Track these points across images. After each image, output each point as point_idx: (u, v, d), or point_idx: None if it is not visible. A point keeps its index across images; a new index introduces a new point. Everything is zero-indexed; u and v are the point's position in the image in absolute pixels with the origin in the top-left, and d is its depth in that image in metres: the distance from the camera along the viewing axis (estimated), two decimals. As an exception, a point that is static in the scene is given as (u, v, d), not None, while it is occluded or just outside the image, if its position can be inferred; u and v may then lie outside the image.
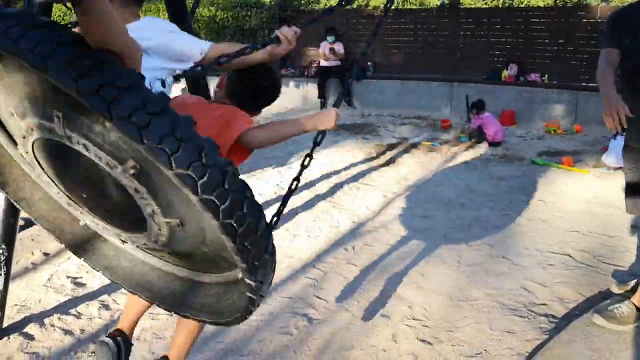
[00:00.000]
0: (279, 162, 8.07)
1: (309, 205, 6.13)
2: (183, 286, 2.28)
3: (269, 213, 5.82)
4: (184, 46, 2.57)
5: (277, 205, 2.27)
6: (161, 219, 1.85)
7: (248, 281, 1.81)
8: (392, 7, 2.69)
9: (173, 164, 1.44)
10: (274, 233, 2.07)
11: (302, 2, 16.75)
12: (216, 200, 1.53)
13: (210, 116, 2.33)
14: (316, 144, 2.29)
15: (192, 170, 1.47)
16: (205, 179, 1.49)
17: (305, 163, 2.22)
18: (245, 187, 1.65)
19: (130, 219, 1.96)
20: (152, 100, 1.45)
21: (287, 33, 2.33)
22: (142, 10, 14.50)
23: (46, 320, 3.84)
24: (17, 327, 3.76)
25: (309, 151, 2.23)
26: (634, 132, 3.59)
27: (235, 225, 1.60)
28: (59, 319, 3.87)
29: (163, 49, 2.49)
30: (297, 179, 2.19)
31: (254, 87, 2.65)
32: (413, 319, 3.84)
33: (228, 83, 2.66)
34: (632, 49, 3.51)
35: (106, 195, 1.89)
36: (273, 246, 1.91)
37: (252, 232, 1.69)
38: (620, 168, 6.79)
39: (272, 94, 2.70)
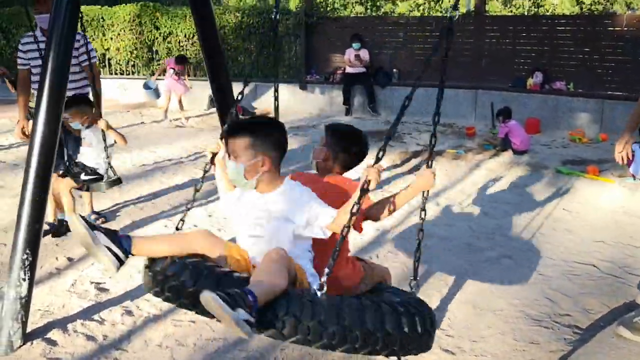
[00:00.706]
0: (303, 169, 8.10)
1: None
2: None
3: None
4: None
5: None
6: None
7: None
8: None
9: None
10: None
11: (329, 8, 16.82)
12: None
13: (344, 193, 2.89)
14: (425, 199, 2.71)
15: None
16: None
17: (422, 216, 2.70)
18: None
19: None
20: None
21: (372, 175, 2.44)
22: (168, 15, 14.60)
23: (69, 326, 3.86)
24: (41, 332, 3.78)
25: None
26: None
27: None
28: (82, 324, 3.89)
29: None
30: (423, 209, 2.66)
31: (361, 155, 3.38)
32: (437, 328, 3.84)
33: (338, 157, 3.31)
34: None
35: None
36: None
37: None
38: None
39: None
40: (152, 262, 2.57)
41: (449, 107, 12.00)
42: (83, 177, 5.34)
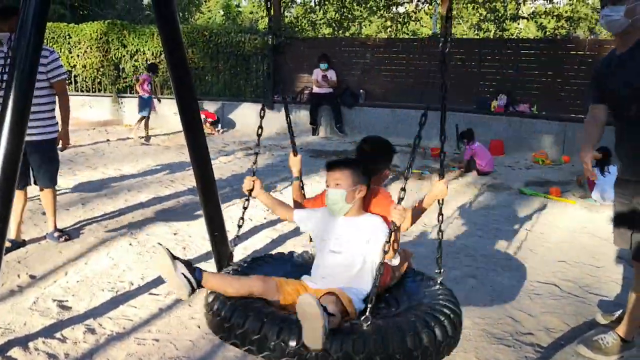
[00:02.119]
0: (270, 188, 8.12)
1: (298, 231, 6.12)
2: None
3: (259, 237, 5.80)
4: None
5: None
6: None
7: None
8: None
9: None
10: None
11: (296, 29, 16.90)
12: None
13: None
14: (441, 207, 3.36)
15: None
16: None
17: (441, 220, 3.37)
18: None
19: None
20: None
21: (397, 216, 2.87)
22: (135, 33, 14.56)
23: (30, 344, 3.78)
24: (1, 350, 3.70)
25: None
26: (629, 166, 3.65)
27: None
28: (44, 342, 3.81)
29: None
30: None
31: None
32: (400, 347, 3.85)
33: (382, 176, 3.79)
34: (608, 90, 3.68)
35: None
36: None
37: None
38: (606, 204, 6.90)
39: None
40: (213, 301, 2.83)
41: (415, 128, 12.09)
42: None
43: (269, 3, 3.68)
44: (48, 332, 3.95)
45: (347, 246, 3.09)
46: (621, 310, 4.09)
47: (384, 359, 2.41)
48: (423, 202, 3.39)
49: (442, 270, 3.26)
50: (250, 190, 3.52)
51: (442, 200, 3.29)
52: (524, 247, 5.81)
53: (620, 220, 3.74)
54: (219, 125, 14.03)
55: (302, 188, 3.79)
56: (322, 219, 3.30)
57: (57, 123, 5.57)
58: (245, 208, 3.46)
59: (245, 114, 14.43)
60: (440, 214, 3.27)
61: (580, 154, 3.79)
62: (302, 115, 13.83)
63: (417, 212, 3.40)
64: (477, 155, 9.27)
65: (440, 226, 3.28)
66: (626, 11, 3.36)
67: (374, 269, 2.99)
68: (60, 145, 5.57)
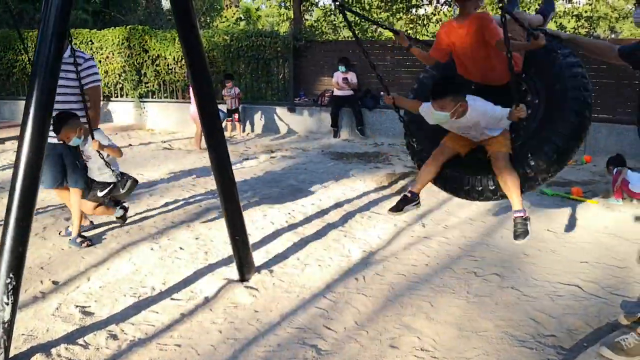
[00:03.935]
0: (292, 191, 8.13)
1: (320, 234, 6.17)
2: None
3: (280, 241, 5.85)
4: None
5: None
6: None
7: None
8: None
9: None
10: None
11: (316, 32, 16.91)
12: None
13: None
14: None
15: None
16: None
17: None
18: None
19: None
20: None
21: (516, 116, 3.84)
22: (157, 39, 14.61)
23: (53, 351, 3.83)
24: (23, 357, 3.75)
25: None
26: None
27: None
28: (66, 348, 3.86)
29: None
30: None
31: None
32: (422, 350, 3.85)
33: None
34: None
35: None
36: None
37: None
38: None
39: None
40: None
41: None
42: (99, 193, 5.65)
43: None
44: (70, 338, 4.00)
45: (471, 132, 4.13)
46: (644, 311, 4.06)
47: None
48: (517, 45, 3.89)
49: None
50: (393, 103, 4.49)
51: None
52: (546, 247, 5.77)
53: None
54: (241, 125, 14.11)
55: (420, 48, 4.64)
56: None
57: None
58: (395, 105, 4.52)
59: (267, 117, 14.50)
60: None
61: None
62: (323, 118, 13.85)
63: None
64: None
65: None
66: None
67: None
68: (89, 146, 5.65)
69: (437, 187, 4.41)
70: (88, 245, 5.77)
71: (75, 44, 15.31)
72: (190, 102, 12.42)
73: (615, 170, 7.60)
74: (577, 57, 4.03)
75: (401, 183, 8.57)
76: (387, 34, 22.01)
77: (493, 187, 4.02)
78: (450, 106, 3.87)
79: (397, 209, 4.30)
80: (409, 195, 4.33)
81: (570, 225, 6.52)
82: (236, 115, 13.69)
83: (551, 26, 22.71)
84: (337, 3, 4.08)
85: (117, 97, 15.93)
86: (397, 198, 4.46)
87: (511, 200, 3.94)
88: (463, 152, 4.26)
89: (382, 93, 10.75)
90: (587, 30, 17.95)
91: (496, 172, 3.94)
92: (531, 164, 3.89)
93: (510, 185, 3.87)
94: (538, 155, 3.87)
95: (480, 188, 4.08)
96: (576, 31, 17.86)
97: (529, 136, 3.98)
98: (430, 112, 4.07)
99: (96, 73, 5.65)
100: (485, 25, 3.82)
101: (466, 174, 4.16)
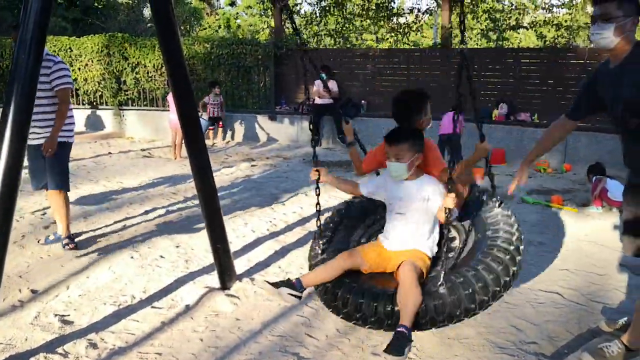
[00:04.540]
0: (273, 199, 8.12)
1: (301, 242, 6.15)
2: None
3: (262, 249, 5.80)
4: None
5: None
6: None
7: None
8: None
9: None
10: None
11: (298, 40, 16.94)
12: None
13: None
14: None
15: None
16: None
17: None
18: None
19: None
20: None
21: (452, 203, 3.47)
22: (137, 46, 14.60)
23: None
24: (1, 367, 3.69)
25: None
26: (636, 172, 3.62)
27: None
28: (45, 358, 3.80)
29: None
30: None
31: None
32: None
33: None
34: (605, 103, 3.68)
35: None
36: None
37: None
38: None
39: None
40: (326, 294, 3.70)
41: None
42: None
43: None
44: (49, 347, 3.94)
45: (411, 207, 3.74)
46: (625, 318, 4.08)
47: (463, 312, 3.31)
48: (467, 162, 3.82)
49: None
50: (318, 179, 4.00)
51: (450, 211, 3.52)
52: (526, 255, 5.79)
53: (630, 228, 3.72)
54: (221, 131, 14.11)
55: (360, 148, 4.47)
56: (387, 186, 3.90)
57: (66, 130, 5.65)
58: (318, 195, 4.07)
59: (248, 125, 14.48)
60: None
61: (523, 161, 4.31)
62: (304, 126, 13.86)
63: (466, 176, 3.90)
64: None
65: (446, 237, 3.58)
66: (615, 29, 3.37)
67: (436, 221, 3.79)
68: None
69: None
70: (71, 249, 5.73)
71: (54, 51, 15.21)
72: (169, 110, 12.38)
73: (594, 178, 7.69)
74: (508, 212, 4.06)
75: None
76: (369, 42, 22.13)
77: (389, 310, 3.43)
78: (408, 156, 3.67)
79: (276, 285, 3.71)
80: (294, 282, 3.72)
81: (550, 233, 6.56)
82: (220, 123, 13.69)
83: (531, 36, 22.97)
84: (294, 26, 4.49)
85: (96, 105, 15.83)
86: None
87: (403, 313, 3.32)
88: (368, 269, 3.76)
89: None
90: (566, 39, 18.14)
91: (400, 281, 3.46)
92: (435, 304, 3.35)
93: (410, 301, 3.32)
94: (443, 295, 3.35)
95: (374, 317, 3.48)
96: (556, 40, 18.05)
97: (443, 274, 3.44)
98: (381, 181, 3.98)
99: (67, 76, 5.60)
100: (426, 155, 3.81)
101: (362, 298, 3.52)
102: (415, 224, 3.76)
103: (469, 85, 3.72)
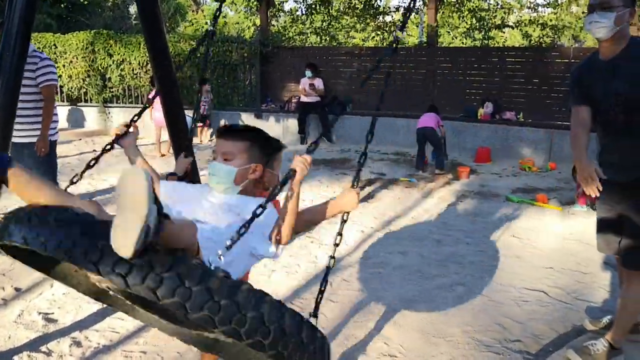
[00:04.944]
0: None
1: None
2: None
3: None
4: None
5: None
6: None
7: None
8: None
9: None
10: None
11: (283, 38, 16.90)
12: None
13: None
14: (344, 222, 2.51)
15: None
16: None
17: (337, 242, 2.47)
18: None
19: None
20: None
21: (299, 165, 2.23)
22: (122, 43, 14.54)
23: (15, 358, 3.74)
24: (-15, 365, 3.66)
25: None
26: (618, 171, 3.58)
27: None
28: (29, 356, 3.77)
29: None
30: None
31: None
32: (390, 356, 3.84)
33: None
34: (593, 97, 3.59)
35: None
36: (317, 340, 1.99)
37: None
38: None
39: None
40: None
41: (402, 137, 12.16)
42: None
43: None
44: (33, 345, 3.91)
45: (216, 220, 2.37)
46: (609, 317, 4.11)
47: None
48: (322, 209, 2.66)
49: (316, 316, 2.39)
50: (119, 136, 2.99)
51: (348, 214, 2.56)
52: (512, 254, 5.82)
53: (605, 227, 3.73)
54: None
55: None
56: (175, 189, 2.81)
57: (51, 127, 5.59)
58: (104, 150, 2.95)
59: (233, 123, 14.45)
60: (340, 233, 2.51)
61: (578, 164, 3.45)
62: (290, 124, 13.83)
63: (313, 215, 2.72)
64: None
65: (334, 252, 2.52)
66: (616, 18, 3.33)
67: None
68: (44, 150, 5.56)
69: None
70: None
71: (39, 48, 15.07)
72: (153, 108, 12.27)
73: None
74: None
75: (367, 190, 8.59)
76: (356, 40, 22.13)
77: None
78: (242, 159, 2.51)
79: None
80: None
81: (535, 232, 6.59)
82: (207, 121, 13.65)
83: (517, 35, 23.05)
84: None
85: (80, 102, 15.72)
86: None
87: None
88: None
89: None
90: (551, 38, 18.24)
91: None
92: None
93: None
94: None
95: None
96: (541, 40, 18.14)
97: None
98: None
99: (52, 72, 5.54)
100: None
101: None
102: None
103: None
